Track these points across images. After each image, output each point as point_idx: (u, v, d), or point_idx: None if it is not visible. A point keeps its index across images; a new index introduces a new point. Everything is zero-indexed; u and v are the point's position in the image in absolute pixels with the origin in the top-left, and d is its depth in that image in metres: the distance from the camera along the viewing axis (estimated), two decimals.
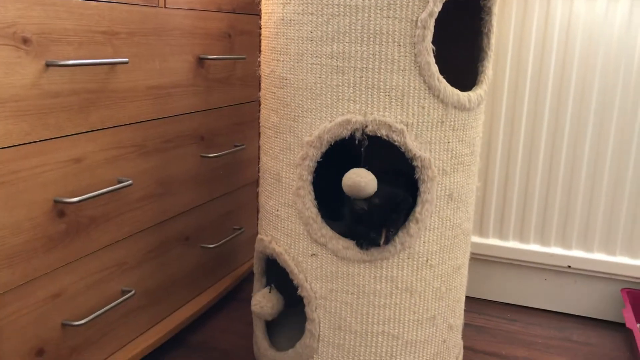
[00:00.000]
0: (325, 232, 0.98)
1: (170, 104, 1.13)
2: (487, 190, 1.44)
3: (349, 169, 0.95)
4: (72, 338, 0.96)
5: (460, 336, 1.16)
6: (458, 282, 1.07)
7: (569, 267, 1.41)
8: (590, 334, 1.36)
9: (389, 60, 0.91)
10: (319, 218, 0.98)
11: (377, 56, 0.91)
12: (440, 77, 0.93)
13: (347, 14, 0.90)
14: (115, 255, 1.04)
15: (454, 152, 0.98)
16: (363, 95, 0.92)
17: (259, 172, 1.12)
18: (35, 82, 0.83)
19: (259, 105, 1.10)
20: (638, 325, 1.34)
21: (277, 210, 1.04)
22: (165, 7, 1.08)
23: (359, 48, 0.91)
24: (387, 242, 0.94)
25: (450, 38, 1.11)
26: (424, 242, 0.98)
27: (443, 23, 0.97)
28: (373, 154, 0.98)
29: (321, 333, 1.03)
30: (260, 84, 1.10)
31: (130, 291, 1.06)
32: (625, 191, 1.34)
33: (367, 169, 0.94)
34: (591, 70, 1.31)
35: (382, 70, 0.91)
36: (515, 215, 1.43)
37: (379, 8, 0.89)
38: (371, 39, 0.90)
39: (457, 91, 0.95)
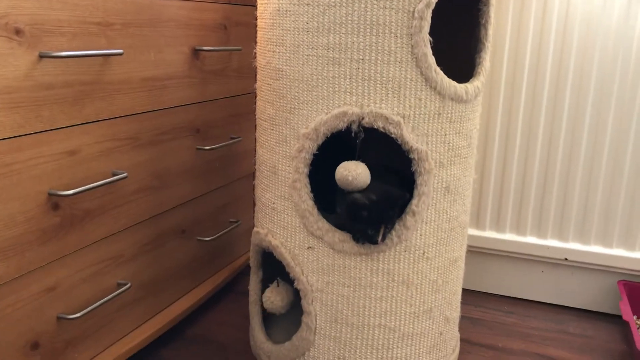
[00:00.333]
0: (322, 224, 0.97)
1: (165, 95, 1.12)
2: (484, 183, 1.44)
3: (345, 161, 0.94)
4: (68, 331, 0.96)
5: (456, 329, 1.16)
6: (455, 275, 1.07)
7: (566, 259, 1.41)
8: (586, 326, 1.36)
9: (385, 52, 0.90)
10: (315, 211, 0.98)
11: (373, 47, 0.90)
12: (437, 68, 0.92)
13: (344, 4, 0.89)
14: (110, 248, 1.03)
15: (450, 145, 0.97)
16: (359, 87, 0.92)
17: (255, 164, 1.11)
18: (28, 73, 0.82)
19: (255, 97, 1.10)
20: (634, 317, 1.34)
21: (273, 203, 1.03)
22: None
23: (355, 39, 0.90)
24: (384, 239, 0.93)
25: (447, 29, 1.11)
26: (420, 235, 0.98)
27: (440, 14, 0.96)
28: (370, 146, 0.98)
29: (318, 326, 1.02)
30: (256, 75, 1.09)
31: (126, 284, 1.06)
32: (622, 184, 1.34)
33: (362, 161, 0.94)
34: (589, 61, 1.31)
35: (379, 62, 0.90)
36: (512, 207, 1.43)
37: None
38: (368, 30, 0.90)
39: (454, 83, 0.95)
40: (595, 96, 1.32)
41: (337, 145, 0.98)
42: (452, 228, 1.02)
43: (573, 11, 1.29)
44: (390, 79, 0.91)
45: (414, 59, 0.91)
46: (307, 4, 0.92)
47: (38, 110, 0.85)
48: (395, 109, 0.92)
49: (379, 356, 1.02)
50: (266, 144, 1.04)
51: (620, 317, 1.36)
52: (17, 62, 0.80)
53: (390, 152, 0.98)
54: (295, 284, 1.02)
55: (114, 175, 1.00)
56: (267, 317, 1.17)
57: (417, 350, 1.04)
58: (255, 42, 1.08)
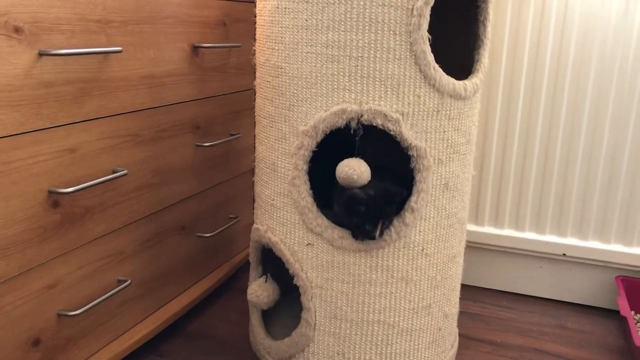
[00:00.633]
0: (321, 221, 0.98)
1: (165, 92, 1.12)
2: (483, 179, 1.44)
3: (344, 158, 0.95)
4: (68, 328, 0.97)
5: (455, 324, 1.16)
6: (453, 271, 1.08)
7: (564, 255, 1.41)
8: (584, 321, 1.37)
9: (384, 49, 0.90)
10: (315, 207, 0.98)
11: (372, 45, 0.90)
12: (436, 65, 0.92)
13: (343, 2, 0.90)
14: (111, 245, 1.04)
15: (449, 141, 0.98)
16: (358, 85, 0.92)
17: (254, 160, 1.12)
18: (28, 71, 0.82)
19: (254, 94, 1.10)
20: (632, 312, 1.35)
21: (273, 200, 1.04)
22: None
23: (354, 37, 0.90)
24: (381, 234, 0.94)
25: (446, 26, 1.11)
26: (419, 232, 0.99)
27: (439, 11, 0.96)
28: (369, 143, 0.98)
29: (317, 322, 1.03)
30: (255, 72, 1.09)
31: (126, 281, 1.06)
32: (620, 180, 1.34)
33: (361, 157, 0.94)
34: (587, 58, 1.31)
35: (378, 59, 0.91)
36: (511, 203, 1.43)
37: None
38: (366, 28, 0.90)
39: (452, 80, 0.95)
40: (594, 93, 1.32)
41: (336, 142, 0.98)
42: (451, 224, 1.03)
43: (572, 7, 1.30)
44: (389, 76, 0.91)
45: (413, 56, 0.91)
46: (306, 1, 0.92)
47: (38, 108, 0.85)
48: (394, 106, 0.92)
49: (378, 352, 1.02)
50: (265, 141, 1.04)
51: (618, 312, 1.37)
52: (16, 61, 0.80)
53: (389, 149, 0.98)
54: (295, 280, 1.03)
55: (114, 172, 1.01)
56: (267, 313, 1.18)
57: (416, 346, 1.05)
58: (254, 39, 1.08)
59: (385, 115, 0.92)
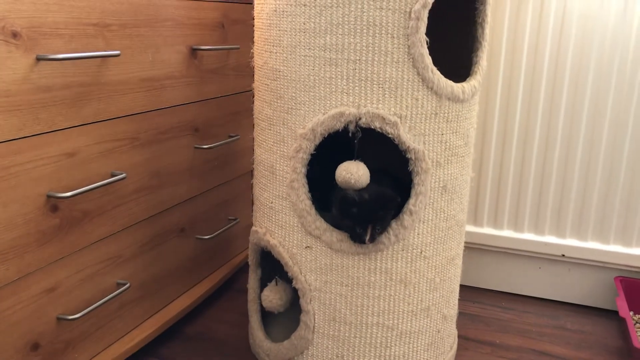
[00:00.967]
0: (320, 224, 0.98)
1: (163, 95, 1.12)
2: (482, 179, 1.44)
3: (342, 161, 0.95)
4: (68, 332, 0.97)
5: (454, 326, 1.16)
6: (452, 273, 1.08)
7: (563, 255, 1.41)
8: (583, 322, 1.37)
9: (382, 52, 0.90)
10: (313, 210, 0.98)
11: (370, 48, 0.90)
12: (434, 68, 0.92)
13: (340, 5, 0.90)
14: (109, 249, 1.04)
15: (448, 144, 0.98)
16: (356, 88, 0.92)
17: (253, 163, 1.12)
18: (26, 76, 0.82)
19: (253, 96, 1.10)
20: (631, 313, 1.35)
21: (272, 203, 1.04)
22: None
23: (352, 40, 0.91)
24: (372, 239, 0.93)
25: (443, 28, 1.11)
26: (418, 234, 0.99)
27: (436, 13, 0.96)
28: (367, 146, 0.98)
29: (316, 325, 1.03)
30: (253, 74, 1.09)
31: (125, 284, 1.06)
32: (619, 180, 1.34)
33: (360, 160, 0.94)
34: (586, 60, 1.31)
35: (376, 63, 0.91)
36: (510, 204, 1.44)
37: None
38: (364, 31, 0.90)
39: (451, 83, 0.95)
40: (593, 94, 1.32)
41: (335, 145, 0.98)
42: (449, 227, 1.03)
43: (570, 8, 1.29)
44: (387, 79, 0.91)
45: (411, 60, 0.91)
46: (304, 5, 0.92)
47: (36, 112, 0.85)
48: (392, 109, 0.92)
49: (377, 354, 1.03)
50: (264, 143, 1.04)
51: (617, 312, 1.37)
52: (14, 66, 0.80)
53: (387, 152, 0.98)
54: (294, 283, 1.03)
55: (113, 175, 1.01)
56: (266, 316, 1.18)
57: (415, 348, 1.05)
58: (253, 41, 1.08)
59: (384, 118, 0.92)
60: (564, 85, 1.34)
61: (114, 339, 1.08)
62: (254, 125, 1.10)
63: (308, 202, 0.98)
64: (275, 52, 0.98)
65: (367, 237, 0.92)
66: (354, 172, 0.91)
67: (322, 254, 0.99)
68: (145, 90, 1.07)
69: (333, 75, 0.92)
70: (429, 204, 0.98)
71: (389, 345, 1.03)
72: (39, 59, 0.84)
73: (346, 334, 1.02)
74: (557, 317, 1.39)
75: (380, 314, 1.01)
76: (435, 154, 0.96)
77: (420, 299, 1.02)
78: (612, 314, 1.40)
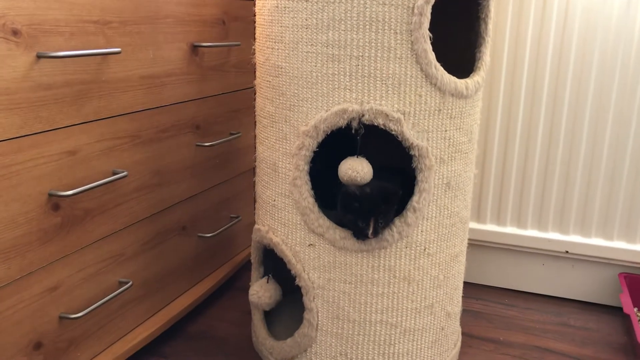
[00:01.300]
0: (323, 222, 0.97)
1: (164, 93, 1.12)
2: (485, 176, 1.44)
3: (345, 157, 0.94)
4: (70, 331, 0.96)
5: (458, 323, 1.16)
6: (456, 270, 1.07)
7: (567, 252, 1.41)
8: (587, 318, 1.36)
9: (385, 48, 0.90)
10: (316, 208, 0.98)
11: (373, 44, 0.90)
12: (438, 64, 0.92)
13: (343, 1, 0.89)
14: (111, 247, 1.03)
15: (451, 141, 0.97)
16: (359, 84, 0.91)
17: (255, 161, 1.11)
18: (26, 74, 0.82)
19: (255, 93, 1.09)
20: (635, 309, 1.34)
21: (274, 200, 1.03)
22: None
23: (354, 36, 0.90)
24: (375, 233, 0.93)
25: (446, 24, 1.10)
26: (421, 231, 0.98)
27: (439, 8, 0.96)
28: (370, 143, 0.97)
29: (319, 322, 1.03)
30: (255, 71, 1.08)
31: (127, 282, 1.06)
32: (623, 176, 1.34)
33: (363, 156, 0.94)
34: (589, 55, 1.30)
35: (379, 59, 0.90)
36: (513, 201, 1.43)
37: None
38: (367, 27, 0.89)
39: (454, 79, 0.94)
40: (596, 90, 1.32)
41: (338, 141, 0.98)
42: (453, 224, 1.02)
43: (573, 3, 1.29)
44: (390, 75, 0.90)
45: (414, 55, 0.90)
46: (306, 1, 0.91)
47: (37, 110, 0.84)
48: (396, 105, 0.92)
49: (381, 352, 1.02)
50: (266, 141, 1.04)
51: (621, 309, 1.36)
52: (15, 63, 0.80)
53: (391, 148, 0.98)
54: (297, 280, 1.03)
55: (114, 174, 1.00)
56: (269, 314, 1.17)
57: (419, 346, 1.04)
58: (254, 38, 1.07)
59: (387, 115, 0.91)
60: (567, 81, 1.33)
61: (116, 338, 1.08)
62: (255, 122, 1.10)
63: (311, 200, 0.98)
64: (277, 49, 0.97)
65: (370, 231, 0.92)
66: (359, 170, 0.91)
67: (325, 251, 0.99)
68: (146, 87, 1.06)
69: (336, 72, 0.92)
70: (433, 201, 0.98)
71: (392, 342, 1.02)
72: (39, 57, 0.83)
73: (350, 332, 1.02)
74: (561, 314, 1.38)
75: (384, 311, 1.00)
76: (438, 150, 0.96)
77: (424, 296, 1.02)
78: (616, 311, 1.40)
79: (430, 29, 0.90)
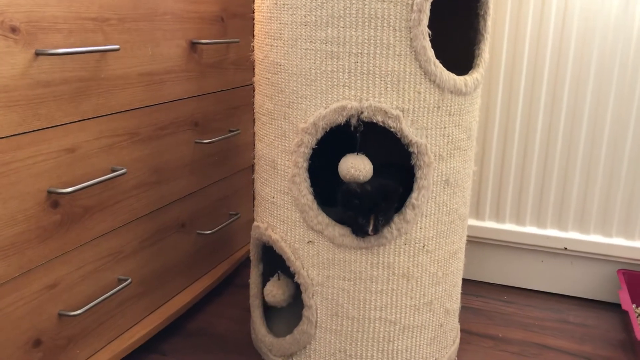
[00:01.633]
0: (322, 219, 0.97)
1: (163, 90, 1.11)
2: (484, 173, 1.44)
3: (344, 154, 0.94)
4: (69, 328, 0.96)
5: (457, 320, 1.16)
6: (455, 267, 1.07)
7: (565, 248, 1.41)
8: (586, 315, 1.37)
9: (384, 45, 0.89)
10: (315, 205, 0.98)
11: (372, 41, 0.90)
12: (437, 61, 0.92)
13: None
14: (110, 244, 1.03)
15: (450, 137, 0.97)
16: (358, 81, 0.91)
17: (254, 158, 1.11)
18: (25, 71, 0.82)
19: (253, 90, 1.09)
20: (634, 306, 1.35)
21: (273, 198, 1.03)
22: None
23: (353, 33, 0.90)
24: (375, 230, 0.93)
25: (445, 21, 1.10)
26: (420, 228, 0.98)
27: (438, 5, 0.96)
28: (370, 139, 0.97)
29: (318, 319, 1.03)
30: (254, 68, 1.08)
31: (126, 280, 1.06)
32: (622, 173, 1.34)
33: (362, 153, 0.94)
34: (588, 52, 1.30)
35: (378, 56, 0.90)
36: (512, 197, 1.43)
37: None
38: (366, 24, 0.89)
39: (453, 75, 0.94)
40: (595, 87, 1.32)
41: (337, 138, 0.98)
42: (452, 220, 1.02)
43: (572, 1, 1.29)
44: (389, 72, 0.90)
45: (413, 52, 0.90)
46: None
47: (36, 108, 0.84)
48: (395, 102, 0.92)
49: (380, 349, 1.02)
50: (265, 138, 1.04)
51: (619, 305, 1.36)
52: (13, 61, 0.80)
53: (390, 145, 0.98)
54: (296, 277, 1.03)
55: (113, 171, 1.00)
56: (268, 311, 1.17)
57: (418, 342, 1.05)
58: (253, 35, 1.07)
59: (386, 112, 0.91)
60: (566, 78, 1.33)
61: (115, 335, 1.08)
62: (254, 119, 1.10)
63: (310, 197, 0.98)
64: (276, 46, 0.97)
65: (370, 228, 0.92)
66: (361, 169, 0.91)
67: (324, 248, 0.99)
68: (144, 84, 1.06)
69: (334, 69, 0.92)
70: (432, 198, 0.98)
71: (391, 339, 1.02)
72: (37, 54, 0.83)
73: (349, 329, 1.02)
74: (560, 311, 1.38)
75: (383, 308, 1.00)
76: (437, 147, 0.96)
77: (422, 293, 1.02)
78: (614, 307, 1.40)
79: (429, 26, 0.90)
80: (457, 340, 1.18)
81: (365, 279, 0.99)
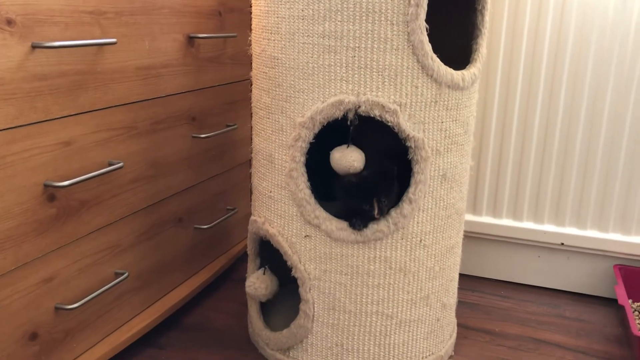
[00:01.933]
0: (319, 213, 0.97)
1: (160, 84, 1.11)
2: (481, 168, 1.44)
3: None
4: (66, 321, 0.96)
5: (453, 314, 1.16)
6: (451, 262, 1.07)
7: (562, 244, 1.41)
8: (583, 310, 1.37)
9: (381, 39, 0.89)
10: (312, 199, 0.98)
11: (369, 35, 0.89)
12: (434, 56, 0.92)
13: None
14: (107, 238, 1.03)
15: (447, 132, 0.97)
16: (356, 75, 0.91)
17: (251, 152, 1.11)
18: (21, 64, 0.81)
19: (251, 85, 1.09)
20: (630, 301, 1.35)
21: (270, 192, 1.03)
22: None
23: (351, 27, 0.90)
24: (381, 213, 0.93)
25: (443, 15, 1.10)
26: (417, 223, 0.98)
27: (436, 0, 0.95)
28: (368, 134, 0.97)
29: (315, 313, 1.03)
30: (251, 62, 1.08)
31: (123, 273, 1.06)
32: (619, 169, 1.34)
33: (358, 147, 0.94)
34: (586, 48, 1.30)
35: (375, 50, 0.90)
36: (509, 193, 1.43)
37: None
38: (364, 18, 0.89)
39: (450, 70, 0.94)
40: (592, 82, 1.32)
41: (334, 132, 0.98)
42: (449, 215, 1.02)
43: None
44: (386, 66, 0.90)
45: (410, 47, 0.90)
46: None
47: (32, 101, 0.84)
48: (392, 97, 0.91)
49: (377, 343, 1.03)
50: (262, 132, 1.03)
51: (616, 300, 1.37)
52: (9, 53, 0.79)
53: (387, 140, 0.98)
54: (293, 272, 1.03)
55: (110, 165, 1.00)
56: (265, 305, 1.17)
57: (415, 337, 1.05)
58: (250, 29, 1.07)
59: (383, 107, 0.91)
60: (564, 74, 1.33)
61: (112, 329, 1.08)
62: (252, 114, 1.10)
63: (307, 191, 0.98)
64: (274, 40, 0.97)
65: (376, 212, 0.92)
66: (354, 159, 0.91)
67: (321, 242, 0.99)
68: (141, 78, 1.06)
69: (332, 63, 0.92)
70: (429, 193, 0.98)
71: (388, 333, 1.02)
72: (34, 47, 0.83)
73: (345, 323, 1.02)
74: (556, 306, 1.39)
75: (380, 302, 1.00)
76: (434, 142, 0.96)
77: (419, 287, 1.02)
78: (611, 302, 1.40)
79: (426, 20, 0.90)
80: (454, 335, 1.18)
81: (362, 273, 0.99)
